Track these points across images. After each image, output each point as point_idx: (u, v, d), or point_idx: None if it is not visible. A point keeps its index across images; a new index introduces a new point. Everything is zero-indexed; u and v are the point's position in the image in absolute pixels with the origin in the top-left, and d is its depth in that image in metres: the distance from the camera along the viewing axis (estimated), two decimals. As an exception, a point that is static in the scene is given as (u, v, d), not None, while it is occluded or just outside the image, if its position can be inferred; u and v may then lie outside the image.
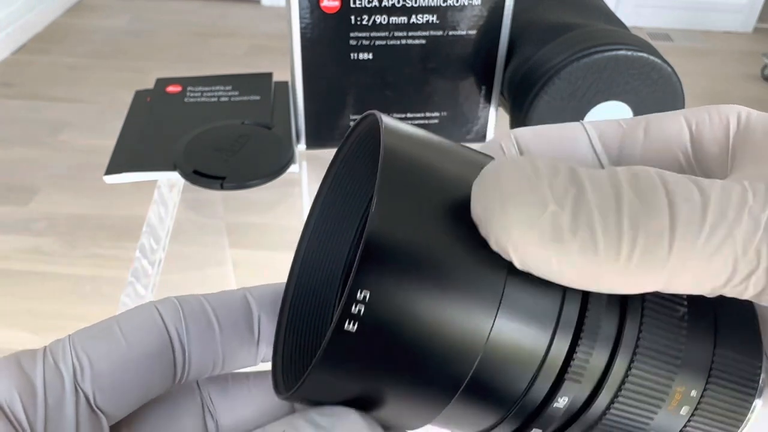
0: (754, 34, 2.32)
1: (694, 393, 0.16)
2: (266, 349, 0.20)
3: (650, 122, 0.19)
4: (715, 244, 0.14)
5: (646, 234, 0.14)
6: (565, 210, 0.14)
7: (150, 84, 0.63)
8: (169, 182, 0.53)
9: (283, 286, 0.20)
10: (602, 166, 0.19)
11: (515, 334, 0.15)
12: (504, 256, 0.14)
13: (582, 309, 0.15)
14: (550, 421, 0.16)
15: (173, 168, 0.50)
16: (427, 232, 0.14)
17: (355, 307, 0.14)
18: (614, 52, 0.44)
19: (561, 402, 0.16)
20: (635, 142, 0.19)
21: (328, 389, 0.16)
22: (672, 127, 0.19)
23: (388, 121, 0.16)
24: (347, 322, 0.14)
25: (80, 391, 0.17)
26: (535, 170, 0.14)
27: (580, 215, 0.14)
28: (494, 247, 0.15)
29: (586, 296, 0.16)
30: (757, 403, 0.17)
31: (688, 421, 0.16)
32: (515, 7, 0.49)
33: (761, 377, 0.17)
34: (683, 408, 0.16)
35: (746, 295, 0.15)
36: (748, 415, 0.17)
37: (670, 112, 0.19)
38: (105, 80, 1.83)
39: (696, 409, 0.16)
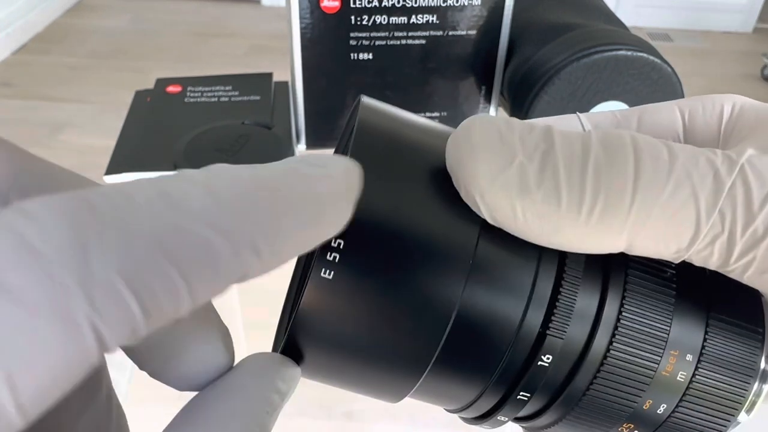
0: (754, 34, 2.32)
1: (682, 377, 0.16)
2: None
3: (644, 112, 0.19)
4: (677, 201, 0.14)
5: (609, 189, 0.14)
6: (533, 163, 0.14)
7: (150, 84, 0.63)
8: (169, 182, 0.53)
9: None
10: None
11: (487, 300, 0.15)
12: (473, 207, 0.15)
13: (557, 283, 0.16)
14: (536, 383, 0.16)
15: (173, 168, 0.50)
16: (400, 188, 0.15)
17: (330, 254, 0.14)
18: (614, 52, 0.44)
19: (546, 360, 0.16)
20: (629, 130, 0.19)
21: (314, 344, 0.15)
22: (665, 116, 0.19)
23: (368, 100, 0.17)
24: (323, 270, 0.14)
25: None
26: (508, 125, 0.15)
27: (547, 168, 0.14)
28: (464, 197, 0.15)
29: (562, 267, 0.16)
30: (760, 387, 0.16)
31: (677, 405, 0.16)
32: (515, 7, 0.49)
33: (762, 360, 0.16)
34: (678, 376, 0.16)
35: (711, 263, 0.15)
36: (750, 398, 0.16)
37: (664, 102, 0.19)
38: (105, 80, 1.83)
39: (685, 392, 0.16)
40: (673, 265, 0.16)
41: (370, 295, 0.15)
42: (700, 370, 0.16)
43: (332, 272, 0.14)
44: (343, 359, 0.16)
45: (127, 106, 0.60)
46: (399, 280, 0.15)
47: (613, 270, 0.16)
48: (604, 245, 0.14)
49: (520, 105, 0.48)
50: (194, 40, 2.09)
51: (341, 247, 0.14)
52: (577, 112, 0.20)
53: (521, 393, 0.16)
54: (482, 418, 0.17)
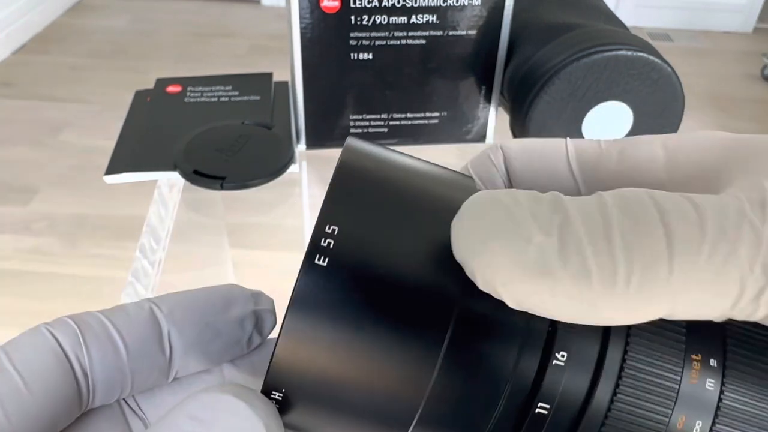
0: (754, 34, 2.32)
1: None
2: (179, 365, 0.19)
3: (626, 144, 0.18)
4: (718, 261, 0.13)
5: (643, 256, 0.13)
6: (552, 239, 0.13)
7: (150, 84, 0.63)
8: (169, 182, 0.53)
9: (195, 295, 0.19)
10: (576, 185, 0.19)
11: (476, 347, 0.14)
12: (495, 295, 0.14)
13: (553, 324, 0.15)
14: (553, 393, 0.15)
15: (173, 168, 0.50)
16: (379, 237, 0.15)
17: (325, 240, 0.14)
18: (614, 52, 0.44)
19: (543, 408, 0.15)
20: (609, 163, 0.18)
21: (308, 343, 0.14)
22: (645, 149, 0.18)
23: (353, 142, 0.17)
24: (317, 257, 0.14)
25: None
26: (515, 201, 0.14)
27: (569, 243, 0.13)
28: (483, 287, 0.14)
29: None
30: None
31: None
32: (515, 7, 0.49)
33: None
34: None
35: (758, 316, 0.14)
36: None
37: (647, 136, 0.18)
38: (105, 80, 1.83)
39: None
40: None
41: (342, 349, 0.14)
42: (717, 426, 0.15)
43: (326, 259, 0.14)
44: (322, 411, 0.15)
45: (127, 106, 0.60)
46: (374, 333, 0.14)
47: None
48: (645, 315, 0.13)
49: (520, 105, 0.48)
50: (194, 40, 2.09)
51: (336, 233, 0.14)
52: (567, 138, 0.19)
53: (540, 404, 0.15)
54: None
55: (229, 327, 0.19)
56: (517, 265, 0.13)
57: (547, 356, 0.14)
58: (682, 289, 0.13)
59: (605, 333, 0.15)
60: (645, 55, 0.45)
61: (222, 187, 0.47)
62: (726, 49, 2.22)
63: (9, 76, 1.85)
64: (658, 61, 0.45)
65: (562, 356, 0.14)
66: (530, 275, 0.13)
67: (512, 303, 0.14)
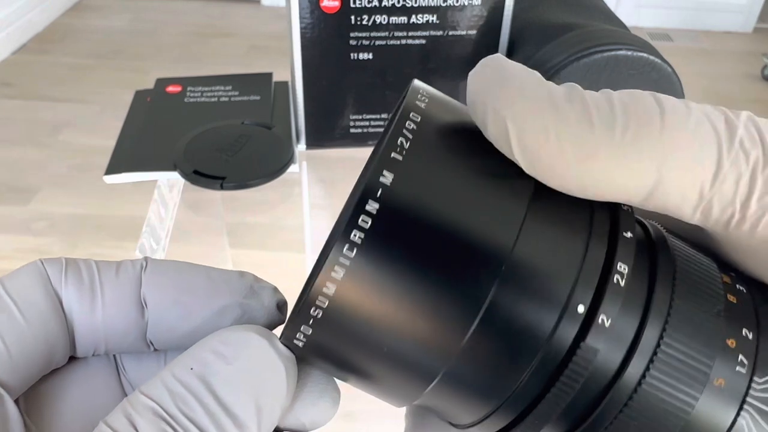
0: (754, 34, 2.32)
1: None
2: (151, 334, 0.18)
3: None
4: (700, 132, 0.14)
5: (638, 116, 0.14)
6: (561, 89, 0.15)
7: (150, 84, 0.63)
8: (169, 182, 0.53)
9: (185, 269, 0.19)
10: None
11: (518, 305, 0.14)
12: (501, 136, 0.15)
13: (596, 297, 0.15)
14: (558, 405, 0.15)
15: (173, 168, 0.50)
16: (439, 172, 0.15)
17: (355, 234, 0.14)
18: (614, 52, 0.44)
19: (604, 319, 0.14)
20: None
21: (326, 323, 0.15)
22: None
23: (418, 84, 0.17)
24: (346, 247, 0.14)
25: None
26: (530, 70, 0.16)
27: (575, 96, 0.15)
28: (491, 124, 0.15)
29: (604, 280, 0.15)
30: None
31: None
32: (515, 7, 0.49)
33: None
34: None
35: (737, 200, 0.15)
36: None
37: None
38: (105, 80, 1.83)
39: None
40: (722, 286, 0.16)
41: (390, 279, 0.14)
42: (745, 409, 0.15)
43: (354, 252, 0.14)
44: (350, 345, 0.15)
45: (127, 106, 0.61)
46: (426, 267, 0.14)
47: (658, 284, 0.15)
48: (637, 175, 0.14)
49: (520, 105, 0.48)
50: (194, 40, 2.09)
51: (368, 226, 0.14)
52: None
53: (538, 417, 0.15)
54: None
55: (206, 312, 0.18)
56: (528, 99, 0.14)
57: (587, 325, 0.14)
58: (671, 149, 0.14)
59: (646, 306, 0.15)
60: (645, 55, 0.45)
61: (222, 187, 0.47)
62: (726, 49, 2.22)
63: (9, 76, 1.85)
64: (658, 61, 0.45)
65: (602, 320, 0.14)
66: (539, 108, 0.14)
67: (515, 140, 0.14)
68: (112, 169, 0.51)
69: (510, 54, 0.51)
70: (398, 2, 0.48)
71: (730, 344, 0.15)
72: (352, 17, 0.48)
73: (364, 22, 0.48)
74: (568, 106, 0.14)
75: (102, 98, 1.73)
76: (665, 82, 0.46)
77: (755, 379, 0.15)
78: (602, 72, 0.45)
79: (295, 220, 0.55)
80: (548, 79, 0.50)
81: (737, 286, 0.16)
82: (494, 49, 0.50)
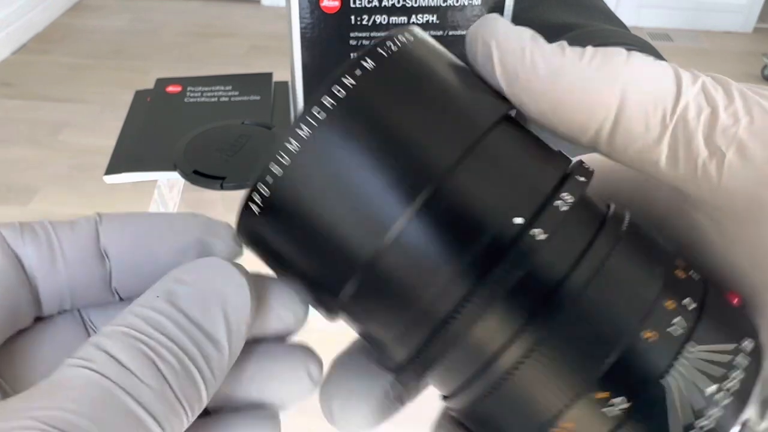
0: (754, 34, 2.32)
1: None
2: (117, 282, 0.18)
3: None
4: (661, 67, 0.16)
5: (606, 51, 0.16)
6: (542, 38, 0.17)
7: (150, 84, 0.63)
8: (169, 182, 0.53)
9: (142, 216, 0.19)
10: None
11: (484, 178, 0.16)
12: (487, 57, 0.17)
13: (559, 183, 0.16)
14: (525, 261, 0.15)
15: (173, 168, 0.50)
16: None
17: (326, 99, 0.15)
18: (614, 52, 0.44)
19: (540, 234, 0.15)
20: None
21: (287, 183, 0.15)
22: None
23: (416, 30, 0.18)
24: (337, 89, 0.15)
25: None
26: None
27: (555, 46, 0.17)
28: (480, 50, 0.17)
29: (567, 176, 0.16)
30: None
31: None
32: (515, 7, 0.49)
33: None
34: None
35: (700, 132, 0.15)
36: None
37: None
38: (105, 80, 1.83)
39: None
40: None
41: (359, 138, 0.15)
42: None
43: (314, 127, 0.15)
44: (309, 208, 0.15)
45: (127, 106, 0.61)
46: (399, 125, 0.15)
47: (603, 232, 0.16)
48: (601, 91, 0.16)
49: (520, 105, 0.48)
50: (194, 40, 2.09)
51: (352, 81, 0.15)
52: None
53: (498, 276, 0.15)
54: (442, 328, 0.15)
55: (168, 253, 0.18)
56: (512, 29, 0.17)
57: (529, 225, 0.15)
58: (633, 76, 0.16)
59: (599, 228, 0.16)
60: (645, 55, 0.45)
61: (222, 187, 0.47)
62: (726, 49, 2.22)
63: (9, 76, 1.85)
64: (658, 61, 0.45)
65: (541, 233, 0.15)
66: (520, 39, 0.17)
67: (497, 60, 0.17)
68: (112, 169, 0.51)
69: (510, 54, 0.51)
70: (398, 2, 0.48)
71: (667, 305, 0.15)
72: (352, 17, 0.48)
73: (364, 22, 0.48)
74: (545, 40, 0.17)
75: (102, 98, 1.73)
76: (665, 82, 0.46)
77: (687, 347, 0.15)
78: (602, 72, 0.45)
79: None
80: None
81: (691, 272, 0.16)
82: (494, 49, 0.51)
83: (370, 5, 0.47)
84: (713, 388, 0.14)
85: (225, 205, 0.55)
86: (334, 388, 0.19)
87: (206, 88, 0.61)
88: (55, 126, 1.64)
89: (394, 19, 0.48)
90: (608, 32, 0.47)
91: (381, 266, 0.15)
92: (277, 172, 0.15)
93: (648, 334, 0.14)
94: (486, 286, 0.15)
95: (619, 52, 0.16)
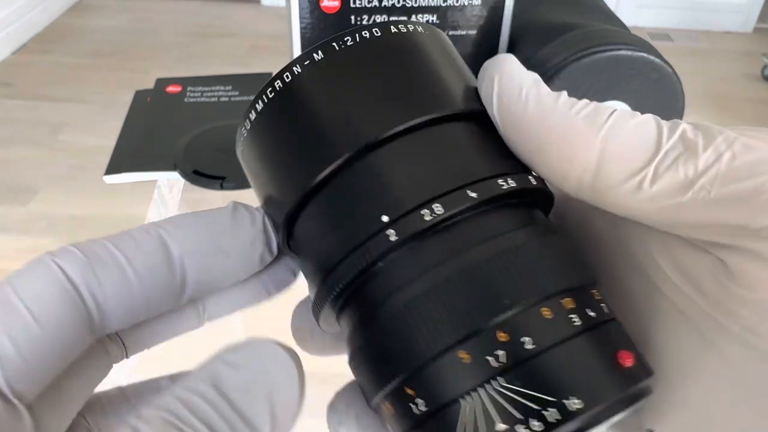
0: (754, 34, 2.32)
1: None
2: (192, 288, 0.19)
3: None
4: (642, 121, 0.17)
5: (598, 105, 0.17)
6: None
7: (150, 84, 0.63)
8: (169, 182, 0.53)
9: (202, 217, 0.20)
10: None
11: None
12: (488, 91, 0.18)
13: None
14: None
15: (173, 168, 0.50)
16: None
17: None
18: (614, 52, 0.44)
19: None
20: None
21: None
22: None
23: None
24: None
25: None
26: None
27: (553, 92, 0.18)
28: (483, 86, 0.18)
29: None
30: None
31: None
32: (515, 7, 0.49)
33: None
34: None
35: (675, 185, 0.16)
36: None
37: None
38: (105, 80, 1.83)
39: None
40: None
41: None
42: None
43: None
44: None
45: (127, 106, 0.61)
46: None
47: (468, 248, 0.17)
48: (583, 139, 0.17)
49: (520, 105, 0.47)
50: (194, 40, 2.09)
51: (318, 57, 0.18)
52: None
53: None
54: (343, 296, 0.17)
55: (239, 247, 0.19)
56: (516, 67, 0.18)
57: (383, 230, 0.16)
58: (614, 132, 0.16)
59: (462, 246, 0.17)
60: (645, 55, 0.45)
61: (222, 187, 0.47)
62: (726, 49, 2.22)
63: (9, 76, 1.85)
64: (658, 61, 0.45)
65: (393, 235, 0.16)
66: (521, 78, 0.18)
67: (495, 97, 0.18)
68: (112, 169, 0.51)
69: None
70: (398, 2, 0.48)
71: (499, 336, 0.15)
72: (352, 17, 0.48)
73: (364, 22, 0.48)
74: (546, 86, 0.17)
75: (102, 98, 1.73)
76: (665, 82, 0.46)
77: (500, 379, 0.15)
78: (602, 72, 0.45)
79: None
80: (548, 79, 0.50)
81: (576, 315, 0.16)
82: (494, 49, 0.50)
83: (370, 5, 0.47)
84: (503, 427, 0.14)
85: (225, 205, 0.55)
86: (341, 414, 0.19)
87: (206, 88, 0.61)
88: (55, 126, 1.64)
89: (394, 19, 0.48)
90: (608, 32, 0.47)
91: (300, 220, 0.18)
92: (278, 86, 0.18)
93: (462, 355, 0.15)
94: (339, 268, 0.17)
95: (609, 108, 0.17)
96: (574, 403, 0.14)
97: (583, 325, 0.15)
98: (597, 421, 0.15)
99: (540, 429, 0.14)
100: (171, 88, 0.61)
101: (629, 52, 0.44)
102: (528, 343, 0.15)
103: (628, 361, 0.15)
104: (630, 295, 0.19)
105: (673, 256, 0.17)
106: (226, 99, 0.59)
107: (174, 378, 0.21)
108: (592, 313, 0.16)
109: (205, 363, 0.16)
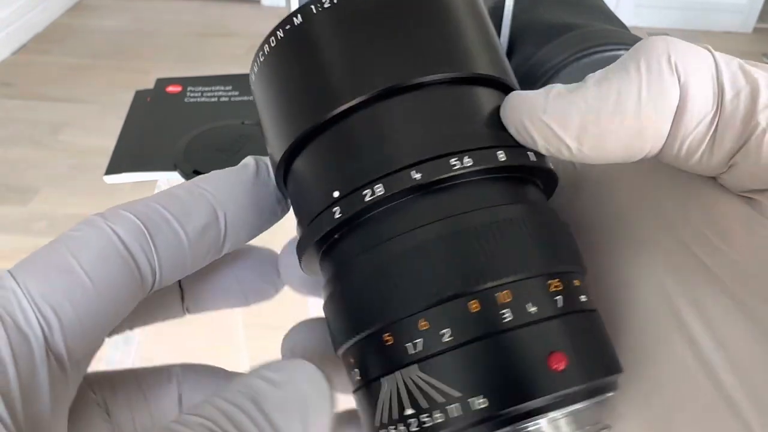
0: (754, 34, 2.32)
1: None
2: (231, 241, 0.20)
3: None
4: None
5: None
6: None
7: (150, 84, 0.63)
8: (169, 182, 0.53)
9: (235, 175, 0.20)
10: None
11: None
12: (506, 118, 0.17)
13: None
14: None
15: (173, 168, 0.50)
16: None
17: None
18: (614, 52, 0.44)
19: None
20: None
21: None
22: None
23: None
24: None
25: (50, 352, 0.16)
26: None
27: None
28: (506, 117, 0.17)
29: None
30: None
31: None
32: (515, 7, 0.49)
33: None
34: None
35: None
36: None
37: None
38: (105, 80, 1.83)
39: None
40: None
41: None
42: None
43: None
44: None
45: (127, 106, 0.61)
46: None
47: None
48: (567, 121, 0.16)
49: (520, 105, 0.47)
50: (194, 40, 2.09)
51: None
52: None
53: None
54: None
55: (267, 201, 0.20)
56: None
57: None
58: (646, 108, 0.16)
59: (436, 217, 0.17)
60: (645, 55, 0.45)
61: (222, 187, 0.47)
62: (726, 49, 2.19)
63: (9, 76, 1.85)
64: (658, 61, 0.45)
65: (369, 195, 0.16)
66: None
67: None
68: (112, 169, 0.51)
69: (510, 54, 0.51)
70: (398, 2, 0.48)
71: (421, 324, 0.15)
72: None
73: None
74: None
75: (102, 98, 1.73)
76: (665, 82, 0.46)
77: (414, 366, 0.15)
78: (602, 72, 0.45)
79: (295, 220, 0.54)
80: (548, 79, 0.50)
81: (503, 310, 0.15)
82: (494, 49, 0.51)
83: (370, 5, 0.47)
84: (410, 411, 0.15)
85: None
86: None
87: (206, 88, 0.61)
88: (55, 126, 1.64)
89: None
90: (608, 32, 0.47)
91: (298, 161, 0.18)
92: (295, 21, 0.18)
93: (386, 337, 0.15)
94: (322, 216, 0.17)
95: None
96: (479, 402, 0.14)
97: (514, 321, 0.15)
98: (529, 415, 0.15)
99: (440, 421, 0.14)
100: (171, 88, 0.61)
101: (629, 52, 0.44)
102: (446, 335, 0.15)
103: (559, 364, 0.14)
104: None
105: (709, 214, 0.17)
106: (226, 99, 0.59)
107: (185, 367, 0.21)
108: (532, 309, 0.15)
109: (245, 377, 0.16)
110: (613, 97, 0.15)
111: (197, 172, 0.48)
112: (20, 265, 0.17)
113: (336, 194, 0.16)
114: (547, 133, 0.16)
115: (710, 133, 0.15)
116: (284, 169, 0.19)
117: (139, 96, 0.62)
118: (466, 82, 0.17)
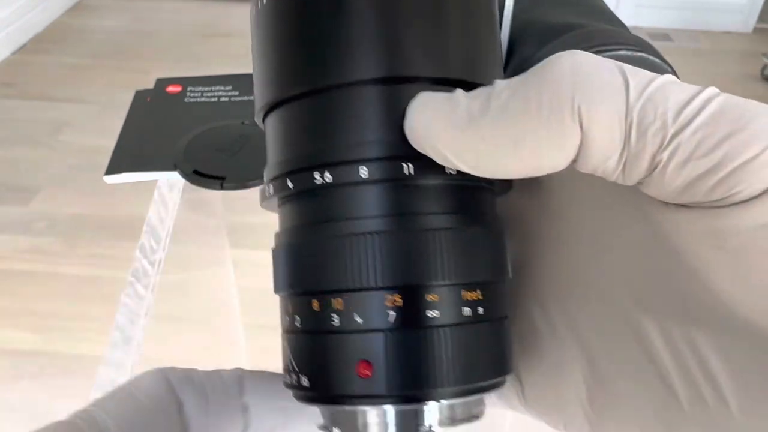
0: (754, 34, 2.32)
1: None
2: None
3: None
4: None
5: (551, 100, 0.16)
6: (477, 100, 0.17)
7: (150, 84, 0.63)
8: (169, 182, 0.53)
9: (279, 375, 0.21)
10: None
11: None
12: (429, 150, 0.17)
13: None
14: None
15: (173, 168, 0.50)
16: None
17: None
18: (614, 52, 0.44)
19: None
20: None
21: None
22: None
23: None
24: None
25: None
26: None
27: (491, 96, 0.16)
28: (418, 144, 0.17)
29: None
30: None
31: None
32: (515, 7, 0.49)
33: None
34: None
35: (647, 153, 0.15)
36: None
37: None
38: (105, 80, 1.83)
39: None
40: None
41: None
42: None
43: None
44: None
45: (127, 106, 0.61)
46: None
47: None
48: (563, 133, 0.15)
49: (520, 105, 0.47)
50: (194, 40, 2.09)
51: None
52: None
53: None
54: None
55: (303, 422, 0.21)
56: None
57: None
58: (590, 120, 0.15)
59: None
60: (645, 55, 0.45)
61: (222, 187, 0.47)
62: (726, 49, 2.22)
63: (9, 76, 1.85)
64: (658, 61, 0.45)
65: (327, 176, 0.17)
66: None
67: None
68: (112, 169, 0.51)
69: (510, 54, 0.51)
70: (398, 2, 0.48)
71: (313, 304, 0.17)
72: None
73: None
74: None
75: (102, 98, 1.73)
76: (665, 82, 0.46)
77: (291, 335, 0.19)
78: (602, 72, 0.45)
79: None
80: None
81: (333, 314, 0.17)
82: (494, 49, 0.50)
83: (370, 5, 0.47)
84: (287, 366, 0.19)
85: (225, 205, 0.55)
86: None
87: (206, 88, 0.61)
88: (55, 126, 1.64)
89: None
90: (608, 32, 0.47)
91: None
92: None
93: (289, 306, 0.18)
94: (278, 180, 0.18)
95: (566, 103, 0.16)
96: (304, 380, 0.17)
97: (341, 326, 0.17)
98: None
99: (289, 383, 0.18)
100: (171, 88, 0.61)
101: (629, 52, 0.44)
102: (298, 322, 0.18)
103: (365, 371, 0.16)
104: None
105: None
106: (226, 99, 0.59)
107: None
108: (358, 319, 0.16)
109: None
110: (511, 132, 0.15)
111: (197, 172, 0.48)
112: None
113: (293, 163, 0.18)
114: (445, 157, 0.16)
115: (619, 167, 0.15)
116: (264, 112, 0.20)
117: (139, 96, 0.62)
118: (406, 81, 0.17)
